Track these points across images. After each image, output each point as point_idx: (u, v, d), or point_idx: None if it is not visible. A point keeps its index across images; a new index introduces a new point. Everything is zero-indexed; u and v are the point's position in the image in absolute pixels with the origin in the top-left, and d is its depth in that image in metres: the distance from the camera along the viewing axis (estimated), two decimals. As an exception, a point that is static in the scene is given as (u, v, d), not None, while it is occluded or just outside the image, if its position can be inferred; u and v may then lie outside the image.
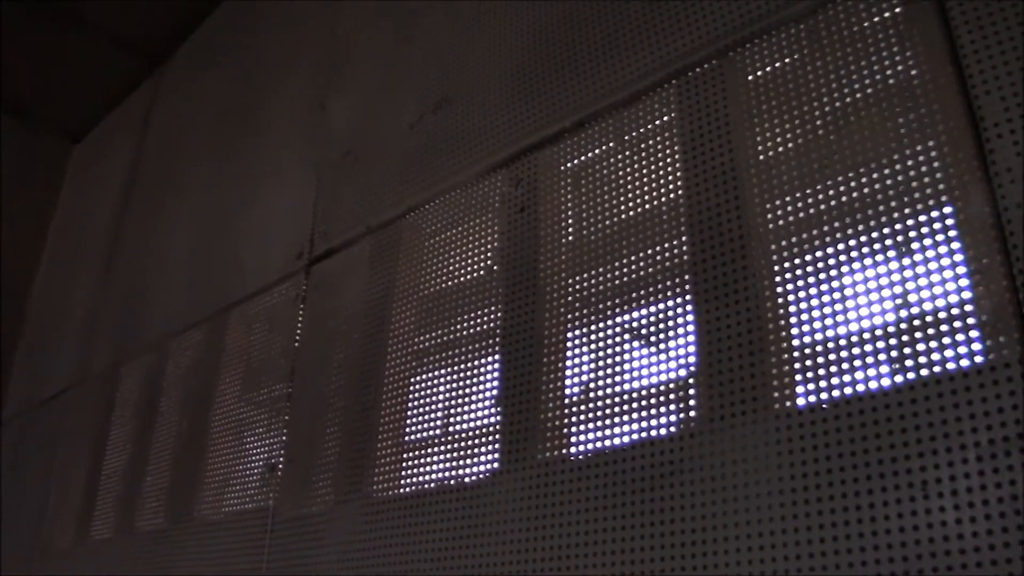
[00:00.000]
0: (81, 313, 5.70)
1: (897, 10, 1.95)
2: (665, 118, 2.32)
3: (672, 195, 2.21)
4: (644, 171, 2.31)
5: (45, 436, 5.51)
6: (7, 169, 6.68)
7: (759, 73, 2.15)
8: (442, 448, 2.54)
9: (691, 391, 1.98)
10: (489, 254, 2.65)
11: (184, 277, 4.48)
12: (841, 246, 1.87)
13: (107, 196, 6.03)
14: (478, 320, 2.61)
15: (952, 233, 1.74)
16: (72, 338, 5.66)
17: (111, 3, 5.67)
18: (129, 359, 4.74)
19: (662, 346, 2.08)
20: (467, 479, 2.42)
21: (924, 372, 1.69)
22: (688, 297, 2.06)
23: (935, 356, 1.69)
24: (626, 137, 2.39)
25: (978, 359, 1.64)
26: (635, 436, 2.04)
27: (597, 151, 2.46)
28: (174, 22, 5.72)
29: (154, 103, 5.95)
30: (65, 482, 4.95)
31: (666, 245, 2.17)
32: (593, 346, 2.25)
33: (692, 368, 2.00)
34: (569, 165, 2.52)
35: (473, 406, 2.50)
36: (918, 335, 1.72)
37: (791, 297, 1.90)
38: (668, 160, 2.27)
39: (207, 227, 4.45)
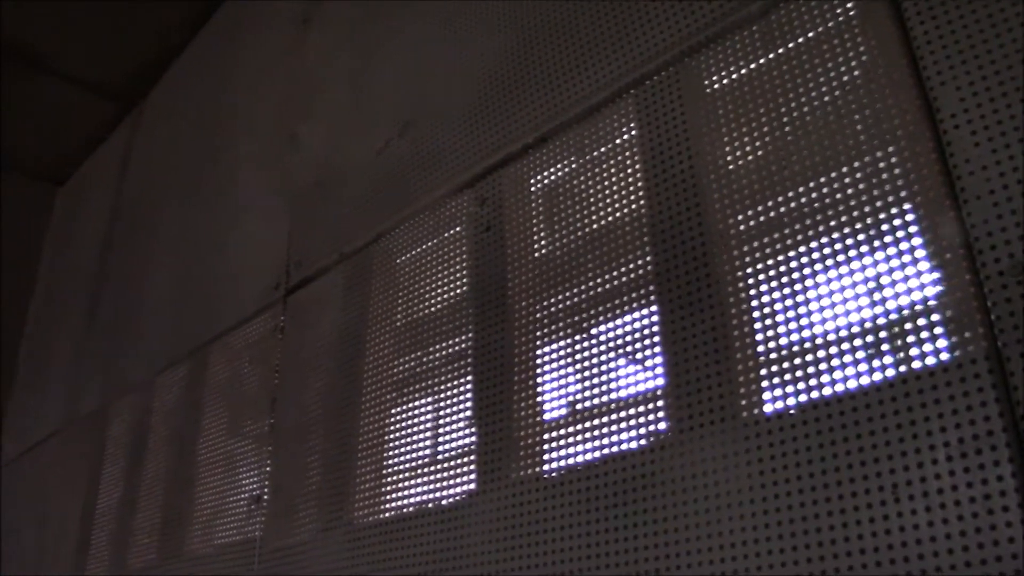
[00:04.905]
0: (69, 355, 5.70)
1: (849, 5, 1.93)
2: (625, 129, 2.29)
3: (635, 206, 2.19)
4: (607, 183, 2.29)
5: (40, 479, 5.50)
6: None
7: (715, 78, 2.13)
8: (421, 472, 2.52)
9: (660, 403, 1.95)
10: (459, 275, 2.63)
11: (166, 314, 4.47)
12: (803, 249, 1.84)
13: (91, 238, 6.04)
14: (451, 342, 2.58)
15: (914, 229, 1.71)
16: (62, 381, 5.66)
17: (81, 51, 5.72)
18: (117, 398, 4.73)
19: (632, 360, 2.05)
20: (445, 501, 2.39)
21: (891, 373, 1.66)
22: (654, 308, 2.03)
23: (901, 356, 1.66)
24: (587, 150, 2.37)
25: (944, 356, 1.61)
26: (606, 451, 2.01)
27: (560, 166, 2.43)
28: (145, 64, 5.76)
29: (131, 144, 5.97)
30: (60, 523, 4.94)
31: (630, 257, 2.14)
32: (563, 363, 2.22)
33: (660, 380, 1.97)
34: (533, 181, 2.50)
35: (449, 428, 2.47)
36: (883, 335, 1.69)
37: (755, 303, 1.87)
38: (630, 171, 2.24)
39: (186, 264, 4.44)
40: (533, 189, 2.49)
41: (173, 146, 5.23)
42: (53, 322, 6.19)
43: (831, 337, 1.75)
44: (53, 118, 6.32)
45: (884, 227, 1.75)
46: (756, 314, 1.86)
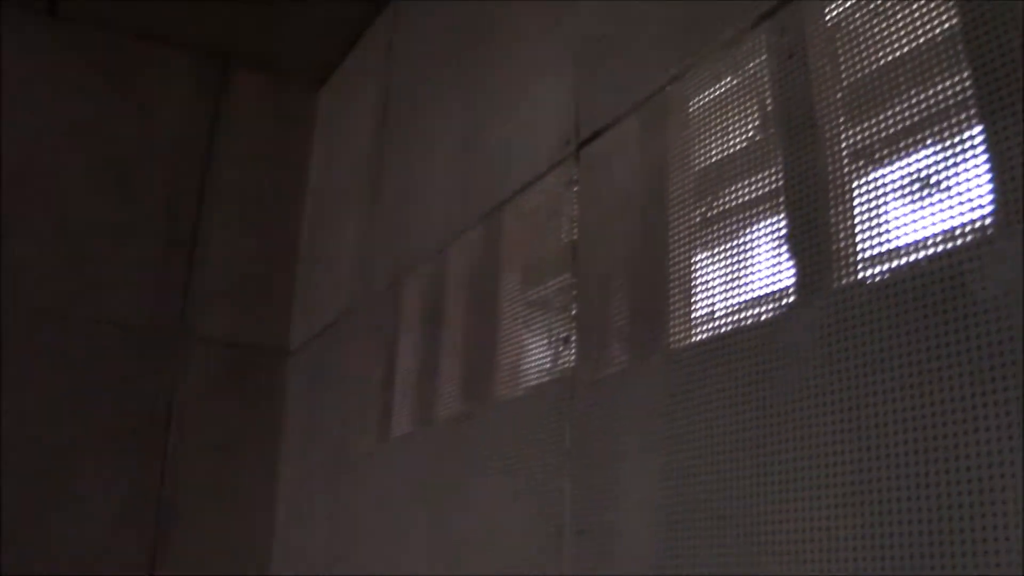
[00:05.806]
0: (353, 240, 6.07)
1: None
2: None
3: (948, 24, 2.21)
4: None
5: (335, 357, 5.94)
6: (260, 120, 7.14)
7: None
8: (733, 290, 2.67)
9: (987, 197, 2.01)
10: (763, 109, 2.73)
11: (452, 185, 4.74)
12: None
13: (362, 126, 6.36)
14: (758, 176, 2.69)
15: None
16: (348, 265, 6.04)
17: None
18: (408, 273, 5.07)
19: (952, 173, 2.12)
20: (762, 316, 2.54)
21: None
22: (976, 120, 2.08)
23: None
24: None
25: None
26: (931, 252, 2.10)
27: (863, -11, 2.48)
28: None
29: (394, 31, 6.17)
30: (361, 393, 5.34)
31: (947, 73, 2.19)
32: (879, 183, 2.31)
33: (986, 177, 2.03)
34: (836, 4, 2.55)
35: (762, 251, 2.61)
36: None
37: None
38: (940, -15, 2.27)
39: (467, 133, 4.68)
40: (836, 12, 2.55)
41: (438, 25, 5.39)
42: (332, 213, 6.55)
43: None
44: (310, 17, 6.59)
45: None
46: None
